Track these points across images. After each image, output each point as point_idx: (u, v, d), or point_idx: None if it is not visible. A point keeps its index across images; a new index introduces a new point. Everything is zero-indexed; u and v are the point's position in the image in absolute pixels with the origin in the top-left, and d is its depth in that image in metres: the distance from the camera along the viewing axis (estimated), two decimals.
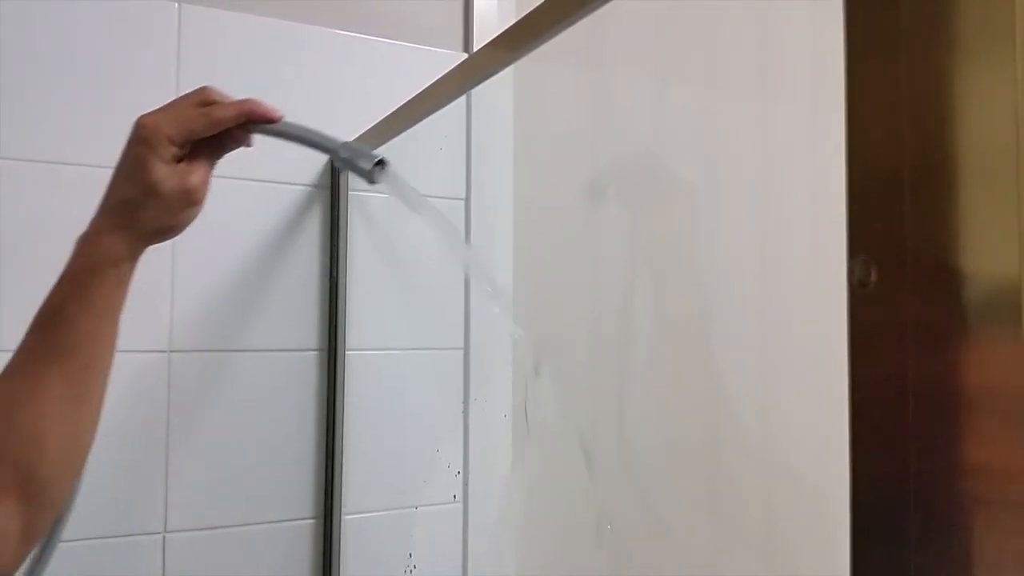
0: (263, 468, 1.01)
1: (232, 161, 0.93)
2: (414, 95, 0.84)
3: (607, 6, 0.55)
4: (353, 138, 0.99)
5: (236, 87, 1.00)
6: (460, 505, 1.13)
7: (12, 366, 0.57)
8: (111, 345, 0.60)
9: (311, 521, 1.04)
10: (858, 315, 0.31)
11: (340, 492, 1.04)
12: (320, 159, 1.05)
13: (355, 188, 1.07)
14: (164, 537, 0.96)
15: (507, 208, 1.17)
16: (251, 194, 1.01)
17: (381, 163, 0.67)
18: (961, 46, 0.29)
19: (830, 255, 0.35)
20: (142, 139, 0.60)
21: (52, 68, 0.92)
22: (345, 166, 0.68)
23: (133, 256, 0.61)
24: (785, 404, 1.14)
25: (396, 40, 1.11)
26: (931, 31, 0.30)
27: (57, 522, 0.64)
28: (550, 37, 0.61)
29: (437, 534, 1.11)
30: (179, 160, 0.61)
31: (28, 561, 0.66)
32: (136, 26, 0.96)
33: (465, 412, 1.13)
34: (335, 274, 1.05)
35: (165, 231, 0.62)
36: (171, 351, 0.97)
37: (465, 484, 1.13)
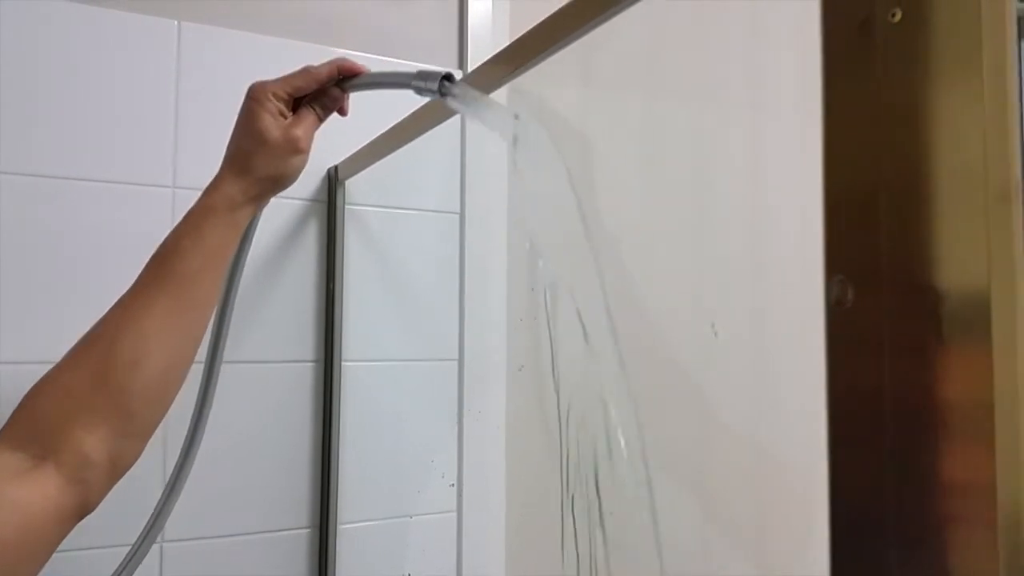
0: (259, 478, 1.02)
1: None
2: (410, 112, 0.85)
3: (601, 27, 0.57)
4: (350, 154, 1.01)
5: (234, 104, 1.02)
6: (455, 515, 1.13)
7: (125, 295, 0.61)
8: (215, 287, 0.64)
9: (307, 530, 1.05)
10: (835, 332, 0.32)
11: (336, 502, 1.05)
12: (317, 173, 1.06)
13: (351, 202, 1.08)
14: (161, 547, 0.96)
15: (501, 222, 1.18)
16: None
17: (449, 77, 0.69)
18: (933, 75, 0.30)
19: (817, 267, 0.37)
20: (252, 97, 0.69)
21: (52, 84, 0.94)
22: (421, 91, 0.70)
23: (249, 202, 0.67)
24: (774, 409, 1.15)
25: (392, 58, 1.12)
26: (905, 57, 0.31)
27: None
28: (545, 56, 0.62)
29: (432, 544, 1.12)
30: (285, 116, 0.69)
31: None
32: (136, 43, 0.98)
33: (459, 423, 1.14)
34: (331, 286, 1.06)
35: (277, 178, 0.69)
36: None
37: (459, 494, 1.14)
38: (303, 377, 1.05)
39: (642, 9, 0.54)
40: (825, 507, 0.34)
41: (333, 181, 1.06)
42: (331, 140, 1.06)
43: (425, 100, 0.72)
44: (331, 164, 1.06)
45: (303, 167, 0.71)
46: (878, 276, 0.31)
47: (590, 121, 1.21)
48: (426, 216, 1.14)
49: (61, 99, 0.94)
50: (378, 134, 0.93)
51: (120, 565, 0.81)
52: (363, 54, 1.10)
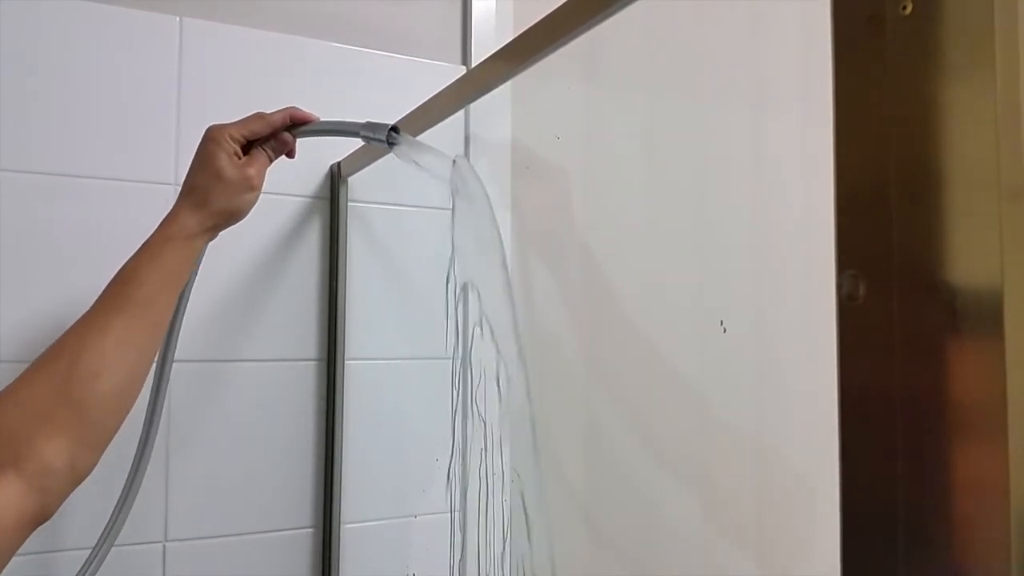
0: (262, 477, 1.02)
1: None
2: (413, 108, 0.85)
3: (604, 23, 0.56)
4: (353, 151, 1.00)
5: (237, 100, 1.02)
6: (459, 514, 1.13)
7: (86, 315, 0.66)
8: (169, 310, 0.70)
9: (310, 530, 1.04)
10: (847, 327, 0.31)
11: (339, 501, 1.05)
12: (320, 170, 1.06)
13: (354, 199, 1.08)
14: (164, 546, 0.96)
15: (504, 220, 1.18)
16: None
17: (395, 129, 0.79)
18: (945, 67, 0.30)
19: (823, 264, 0.36)
20: (211, 138, 0.76)
21: (54, 80, 0.93)
22: (368, 140, 0.81)
23: (204, 233, 0.74)
24: (780, 407, 1.15)
25: (395, 53, 1.12)
26: (916, 53, 0.31)
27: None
28: (548, 53, 0.62)
29: (436, 543, 1.12)
30: (239, 156, 0.76)
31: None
32: (138, 39, 0.97)
33: (463, 421, 1.14)
34: (334, 284, 1.06)
35: (232, 212, 0.76)
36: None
37: (464, 493, 1.14)
38: (306, 375, 1.05)
39: (645, 5, 0.53)
40: (830, 504, 0.33)
41: (336, 178, 1.06)
42: (333, 139, 1.06)
43: (425, 99, 0.78)
44: (334, 161, 1.06)
45: (255, 203, 0.78)
46: (889, 271, 0.30)
47: (593, 117, 1.20)
48: (429, 213, 1.13)
49: (62, 96, 0.94)
50: None
51: (82, 567, 0.83)
52: (366, 50, 1.10)
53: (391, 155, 0.93)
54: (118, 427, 0.65)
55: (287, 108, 0.80)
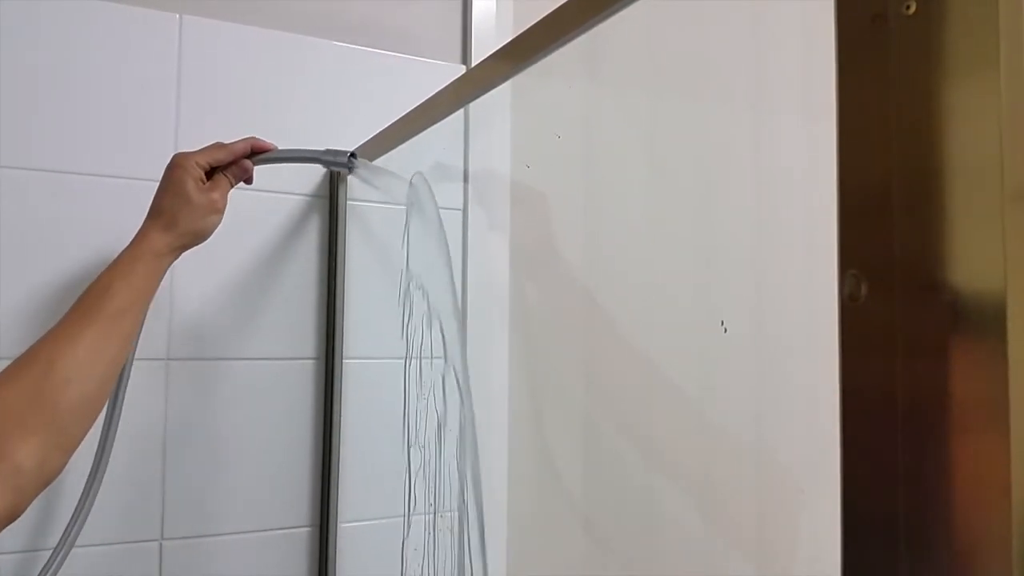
0: (260, 476, 1.02)
1: None
2: (413, 107, 0.85)
3: (605, 22, 0.56)
4: (354, 147, 1.00)
5: (237, 98, 1.02)
6: (455, 514, 1.13)
7: (59, 324, 0.69)
8: (138, 323, 0.76)
9: (307, 529, 1.04)
10: (849, 328, 0.31)
11: (336, 500, 1.04)
12: (319, 169, 1.06)
13: (353, 198, 1.08)
14: (161, 544, 0.96)
15: (504, 219, 1.18)
16: (251, 203, 1.02)
17: (352, 156, 0.90)
18: (948, 68, 0.30)
19: (825, 265, 0.36)
20: (179, 165, 0.82)
21: (54, 78, 0.93)
22: (329, 165, 0.92)
23: (172, 252, 0.80)
24: (780, 409, 1.15)
25: (395, 52, 1.12)
26: (920, 52, 0.31)
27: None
28: (548, 52, 0.62)
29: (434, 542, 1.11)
30: (203, 182, 0.83)
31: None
32: (138, 37, 0.97)
33: (462, 420, 1.14)
34: (333, 283, 1.05)
35: (198, 233, 0.82)
36: (169, 359, 0.97)
37: (462, 493, 1.13)
38: (304, 374, 1.05)
39: (646, 4, 0.53)
40: (831, 504, 0.33)
41: (334, 176, 1.06)
42: (334, 135, 1.06)
43: (425, 98, 0.79)
44: None
45: (219, 224, 0.84)
46: (891, 271, 0.30)
47: (594, 116, 1.20)
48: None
49: (62, 93, 0.94)
50: (381, 129, 0.93)
51: (43, 567, 0.85)
52: (366, 48, 1.10)
53: (390, 154, 0.93)
54: (86, 432, 0.69)
55: (248, 138, 0.87)
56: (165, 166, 0.82)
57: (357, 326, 1.07)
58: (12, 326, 0.90)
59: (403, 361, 0.85)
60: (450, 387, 0.80)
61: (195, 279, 0.99)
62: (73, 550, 0.87)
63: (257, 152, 0.88)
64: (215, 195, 0.83)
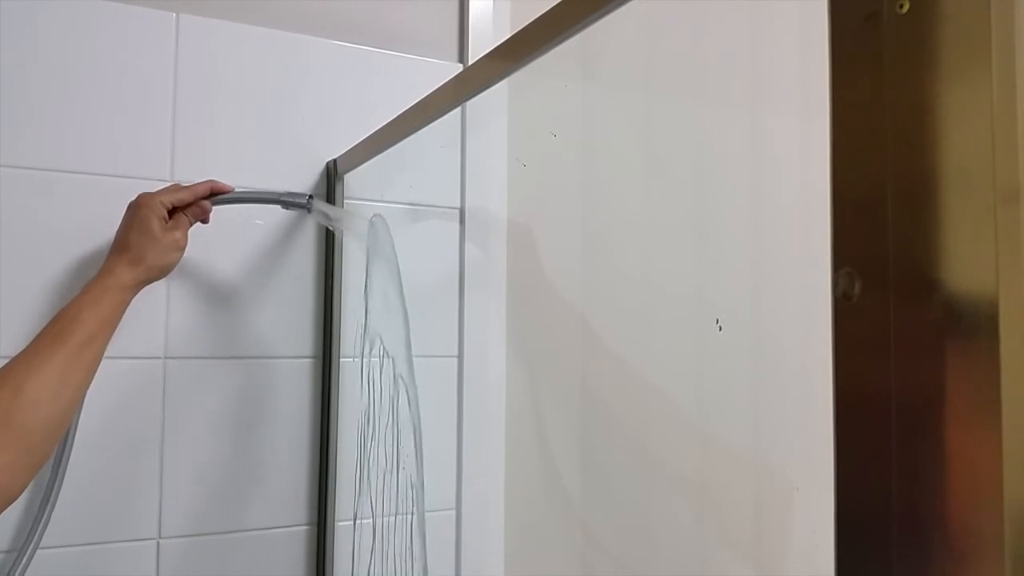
0: (257, 474, 1.02)
1: (229, 169, 0.95)
2: (410, 106, 0.84)
3: (601, 20, 0.56)
4: (350, 147, 1.00)
5: (233, 97, 1.02)
6: (453, 512, 1.13)
7: (29, 348, 0.73)
8: (102, 350, 0.79)
9: (305, 527, 1.04)
10: (842, 327, 0.31)
11: (334, 499, 1.04)
12: (316, 167, 1.06)
13: (351, 196, 1.07)
14: (158, 543, 0.96)
15: (501, 218, 1.18)
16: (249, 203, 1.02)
17: (311, 198, 0.98)
18: (942, 67, 0.30)
19: (819, 262, 0.36)
20: (144, 204, 0.87)
21: (50, 77, 0.93)
22: (288, 206, 0.98)
23: (137, 285, 0.85)
24: (775, 411, 1.15)
25: (392, 51, 1.12)
26: (913, 51, 0.31)
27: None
28: (545, 51, 0.62)
29: (431, 541, 1.11)
30: (166, 221, 0.88)
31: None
32: (134, 35, 0.97)
33: (459, 419, 1.14)
34: (330, 281, 1.05)
35: (163, 268, 0.88)
36: (167, 357, 0.97)
37: (459, 491, 1.14)
38: (302, 373, 1.05)
39: (642, 3, 0.53)
40: (824, 504, 0.33)
41: (332, 175, 1.06)
42: (331, 133, 1.06)
43: (422, 96, 0.79)
44: (330, 158, 1.06)
45: (180, 259, 0.90)
46: (885, 270, 0.30)
47: (590, 115, 1.20)
48: (426, 210, 1.13)
49: (58, 91, 0.94)
50: (378, 128, 0.93)
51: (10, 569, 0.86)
52: (363, 47, 1.10)
53: (388, 152, 0.93)
54: (53, 450, 0.74)
55: (208, 180, 0.93)
56: (128, 204, 0.88)
57: (355, 325, 1.07)
58: (11, 325, 0.90)
59: (365, 401, 0.88)
60: (403, 420, 0.85)
61: (193, 277, 0.99)
62: (70, 548, 0.88)
63: (216, 194, 0.93)
64: (177, 234, 0.88)
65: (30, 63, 0.92)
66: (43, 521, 0.87)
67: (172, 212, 0.89)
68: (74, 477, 0.91)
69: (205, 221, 0.95)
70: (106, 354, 0.93)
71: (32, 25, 0.92)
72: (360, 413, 0.88)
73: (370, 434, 0.87)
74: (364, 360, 0.86)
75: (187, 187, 0.91)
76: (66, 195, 0.93)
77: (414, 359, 1.12)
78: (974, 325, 0.29)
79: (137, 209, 0.87)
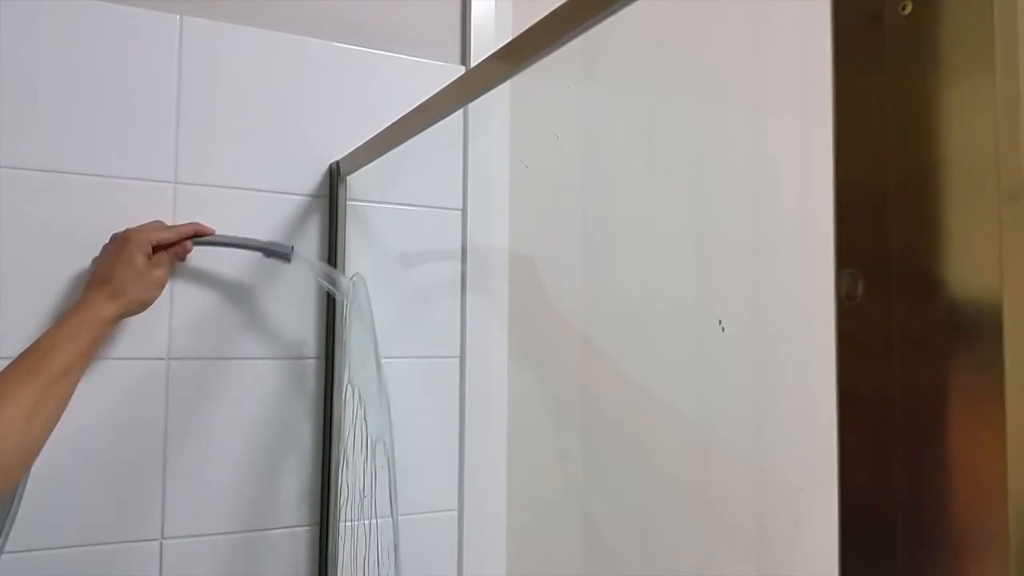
0: (260, 475, 1.02)
1: (232, 172, 0.95)
2: (412, 107, 0.85)
3: (603, 23, 0.56)
4: (352, 150, 1.01)
5: (236, 99, 1.02)
6: (455, 512, 1.13)
7: (1, 378, 0.73)
8: (76, 382, 0.79)
9: (308, 528, 1.04)
10: (846, 327, 0.32)
11: (336, 499, 1.04)
12: (319, 169, 1.06)
13: (353, 198, 1.08)
14: (161, 543, 0.96)
15: (503, 219, 1.18)
16: (251, 203, 1.02)
17: (291, 248, 1.00)
18: (944, 68, 0.30)
19: (821, 266, 0.36)
20: (130, 239, 0.88)
21: (54, 79, 0.93)
22: (269, 255, 0.99)
23: (116, 318, 0.85)
24: (778, 412, 1.15)
25: (394, 53, 1.12)
26: (916, 53, 0.31)
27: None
28: (547, 53, 0.62)
29: (433, 542, 1.12)
30: (149, 257, 0.89)
31: None
32: (138, 38, 0.97)
33: (461, 420, 1.14)
34: None
35: (142, 302, 0.89)
36: (170, 358, 0.97)
37: (460, 492, 1.14)
38: (304, 373, 1.05)
39: (644, 5, 0.53)
40: (828, 504, 0.33)
41: (335, 176, 1.06)
42: (334, 135, 1.07)
43: (425, 98, 0.79)
44: (333, 160, 1.06)
45: (159, 295, 0.91)
46: (888, 270, 0.30)
47: (592, 116, 1.20)
48: (428, 212, 1.13)
49: (62, 93, 0.94)
50: (380, 130, 0.93)
51: None
52: (365, 49, 1.10)
53: (390, 154, 0.94)
54: (21, 478, 0.75)
55: (193, 223, 0.95)
56: (111, 238, 0.89)
57: None
58: (12, 326, 0.90)
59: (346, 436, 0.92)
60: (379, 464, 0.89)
61: (196, 278, 0.99)
62: (73, 549, 0.88)
63: (199, 235, 0.94)
64: (160, 271, 0.90)
65: (34, 64, 0.92)
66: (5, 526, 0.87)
67: (155, 249, 0.90)
68: (77, 478, 0.91)
69: (182, 260, 0.96)
70: (109, 355, 0.94)
71: (36, 27, 0.93)
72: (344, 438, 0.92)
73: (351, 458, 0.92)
74: (342, 412, 0.92)
75: (172, 227, 0.93)
76: (70, 196, 0.93)
77: (414, 360, 1.12)
78: (977, 325, 0.29)
79: (124, 243, 0.88)
